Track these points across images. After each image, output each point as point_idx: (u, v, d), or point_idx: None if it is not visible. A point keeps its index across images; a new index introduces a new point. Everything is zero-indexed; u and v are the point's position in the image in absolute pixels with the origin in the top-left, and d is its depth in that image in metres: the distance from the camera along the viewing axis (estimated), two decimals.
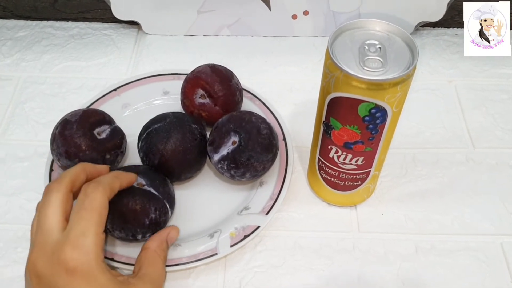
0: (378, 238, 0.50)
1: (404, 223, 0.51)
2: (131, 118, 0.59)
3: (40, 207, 0.39)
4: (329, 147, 0.45)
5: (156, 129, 0.50)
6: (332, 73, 0.40)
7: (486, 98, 0.62)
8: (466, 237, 0.50)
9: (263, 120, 0.51)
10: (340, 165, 0.46)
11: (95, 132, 0.51)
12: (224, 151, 0.49)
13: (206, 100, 0.54)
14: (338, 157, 0.46)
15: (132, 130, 0.54)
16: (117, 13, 0.68)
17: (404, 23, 0.68)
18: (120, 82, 0.61)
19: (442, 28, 0.71)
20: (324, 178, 0.49)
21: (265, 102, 0.59)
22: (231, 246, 0.47)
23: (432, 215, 0.52)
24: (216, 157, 0.50)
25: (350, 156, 0.45)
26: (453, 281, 0.47)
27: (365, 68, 0.38)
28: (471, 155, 0.56)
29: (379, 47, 0.40)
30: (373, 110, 0.40)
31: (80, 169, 0.43)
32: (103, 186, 0.40)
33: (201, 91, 0.54)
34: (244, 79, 0.60)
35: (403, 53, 0.40)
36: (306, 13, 0.68)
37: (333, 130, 0.43)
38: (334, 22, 0.68)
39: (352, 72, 0.38)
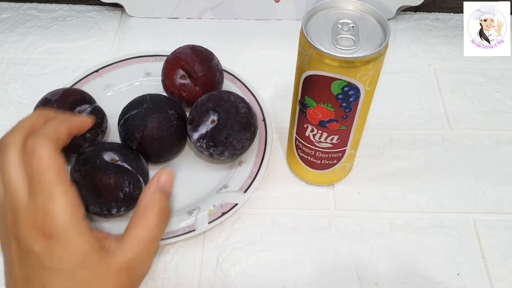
0: (354, 216, 0.51)
1: (379, 202, 0.52)
2: (113, 99, 0.59)
3: (0, 167, 0.35)
4: (305, 125, 0.46)
5: (132, 116, 0.50)
6: (306, 51, 0.40)
7: (465, 81, 0.63)
8: (440, 215, 0.51)
9: (242, 100, 0.52)
10: (316, 144, 0.47)
11: (76, 111, 0.51)
12: (203, 129, 0.50)
13: (187, 81, 0.55)
14: (314, 135, 0.46)
15: (114, 110, 0.54)
16: None
17: (385, 7, 0.69)
18: (102, 64, 0.61)
19: (424, 12, 0.72)
20: (301, 157, 0.50)
21: (246, 84, 0.59)
22: (209, 222, 0.48)
23: (407, 194, 0.53)
24: (195, 135, 0.51)
25: (325, 134, 0.46)
26: (426, 257, 0.48)
27: (338, 46, 0.39)
28: (447, 136, 0.57)
29: (352, 26, 0.40)
30: (345, 88, 0.40)
31: (36, 116, 0.37)
32: (45, 137, 0.34)
33: (181, 72, 0.55)
34: (226, 62, 0.60)
35: (376, 32, 0.40)
36: None
37: (308, 108, 0.44)
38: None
39: (325, 50, 0.38)
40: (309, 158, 0.49)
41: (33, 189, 0.34)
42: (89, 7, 0.72)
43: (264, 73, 0.64)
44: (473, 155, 0.56)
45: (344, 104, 0.42)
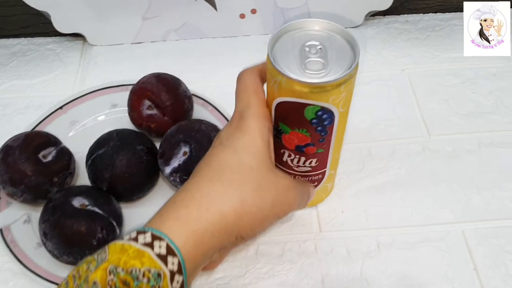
0: (340, 237, 0.50)
1: (364, 219, 0.51)
2: (80, 135, 0.57)
3: None
4: (281, 151, 0.44)
5: (100, 156, 0.48)
6: (275, 78, 0.38)
7: (440, 84, 0.62)
8: (427, 227, 0.50)
9: (214, 127, 0.50)
10: (295, 168, 0.45)
11: (40, 155, 0.49)
12: (175, 163, 0.48)
13: (154, 111, 0.53)
14: (292, 160, 0.45)
15: (81, 147, 0.53)
16: (59, 26, 0.66)
17: (353, 14, 0.67)
18: (66, 99, 0.59)
19: (393, 15, 0.70)
20: None
21: (217, 107, 0.58)
22: None
23: (391, 208, 0.51)
24: (168, 169, 0.48)
25: (303, 158, 0.44)
26: (416, 274, 0.47)
27: (307, 71, 0.37)
28: (427, 143, 0.56)
29: (320, 48, 0.39)
30: (319, 113, 0.39)
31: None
32: (249, 69, 0.43)
33: (147, 102, 0.53)
34: (196, 84, 0.58)
35: (345, 52, 0.39)
36: (253, 11, 0.66)
37: (283, 134, 0.42)
38: (283, 18, 0.67)
39: (294, 76, 0.37)
40: None
41: (237, 100, 0.42)
42: (49, 39, 0.69)
43: (234, 93, 0.62)
44: (454, 161, 0.55)
45: (319, 128, 0.40)
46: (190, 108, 0.54)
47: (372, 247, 0.49)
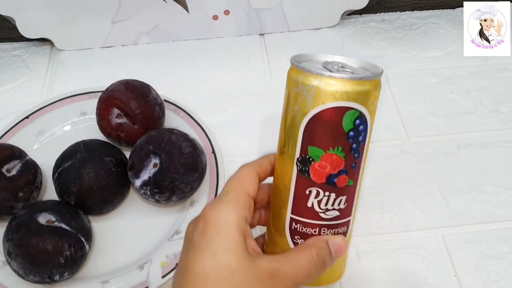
0: None
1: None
2: (47, 146, 0.55)
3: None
4: (307, 191, 0.37)
5: (66, 169, 0.46)
6: (308, 85, 0.35)
7: (417, 85, 0.61)
8: (407, 234, 0.49)
9: (185, 137, 0.48)
10: (322, 215, 0.37)
11: (4, 169, 0.47)
12: (145, 175, 0.46)
13: (123, 120, 0.51)
14: (319, 202, 0.37)
15: (49, 159, 0.50)
16: (25, 31, 0.63)
17: (329, 13, 0.66)
18: (33, 108, 0.56)
19: (369, 14, 0.69)
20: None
21: (190, 114, 0.56)
22: (163, 277, 0.44)
23: (370, 215, 0.50)
24: (138, 182, 0.47)
25: (333, 196, 0.37)
26: (397, 283, 0.46)
27: (340, 71, 0.35)
28: (406, 146, 0.55)
29: (341, 66, 0.37)
30: (357, 121, 0.35)
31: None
32: (249, 163, 0.39)
33: (116, 111, 0.51)
34: (168, 89, 0.57)
35: (366, 67, 0.37)
36: (227, 12, 0.64)
37: (313, 163, 0.37)
38: (258, 19, 0.65)
39: (336, 74, 0.34)
40: None
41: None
42: (15, 44, 0.67)
43: (209, 97, 0.60)
44: (434, 164, 0.54)
45: (354, 146, 0.36)
46: (161, 116, 0.53)
47: (352, 256, 0.47)
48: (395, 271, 0.46)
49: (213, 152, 0.52)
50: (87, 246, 0.45)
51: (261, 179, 0.39)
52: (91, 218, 0.48)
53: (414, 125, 0.57)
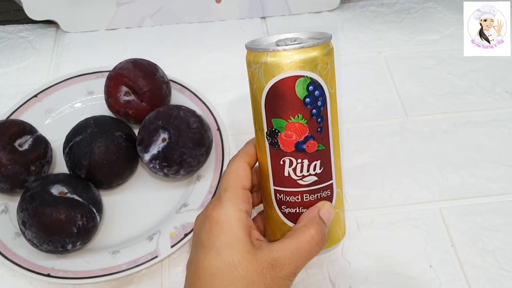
0: None
1: (344, 201, 0.51)
2: (56, 123, 0.56)
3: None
4: (281, 162, 0.39)
5: (77, 143, 0.48)
6: (259, 63, 0.38)
7: (416, 66, 0.62)
8: (406, 207, 0.51)
9: (193, 113, 0.49)
10: (300, 182, 0.40)
11: (16, 144, 0.48)
12: (154, 150, 0.48)
13: (131, 97, 0.52)
14: (294, 170, 0.40)
15: (58, 135, 0.52)
16: (31, 13, 0.64)
17: None
18: (40, 87, 0.57)
19: None
20: (288, 215, 0.41)
21: (195, 93, 0.57)
22: (172, 246, 0.46)
23: (370, 189, 0.52)
24: (147, 156, 0.48)
25: (306, 163, 0.39)
26: (396, 253, 0.48)
27: (287, 43, 0.38)
28: (405, 124, 0.57)
29: (294, 39, 0.39)
30: (310, 87, 0.38)
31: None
32: (237, 155, 0.42)
33: (125, 88, 0.52)
34: (173, 70, 0.58)
35: (316, 36, 0.39)
36: None
37: (279, 134, 0.39)
38: (260, 2, 0.67)
39: (279, 48, 0.37)
40: (297, 209, 0.40)
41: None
42: (21, 26, 0.68)
43: (214, 78, 0.62)
44: (432, 141, 0.55)
45: (314, 111, 0.38)
46: (168, 94, 0.54)
47: (353, 228, 0.49)
48: (394, 242, 0.48)
49: (218, 129, 0.54)
50: (98, 217, 0.46)
51: (252, 166, 0.41)
52: (101, 192, 0.49)
53: (412, 105, 0.59)
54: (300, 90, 0.38)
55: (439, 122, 0.57)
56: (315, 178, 0.40)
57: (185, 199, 0.50)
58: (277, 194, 0.40)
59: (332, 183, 0.41)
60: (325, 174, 0.40)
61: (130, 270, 0.45)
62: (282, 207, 0.41)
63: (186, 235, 0.46)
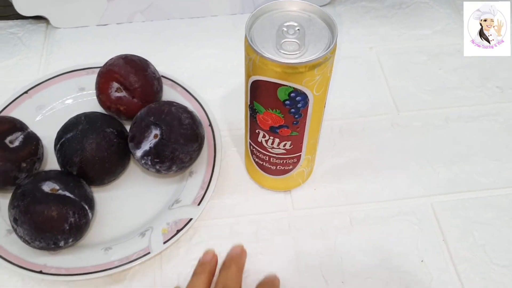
0: (313, 214, 0.50)
1: (337, 196, 0.51)
2: (47, 120, 0.56)
3: None
4: (256, 131, 0.44)
5: (68, 140, 0.47)
6: (250, 56, 0.38)
7: (407, 61, 0.63)
8: (398, 202, 0.51)
9: (184, 109, 0.49)
10: (269, 150, 0.45)
11: (7, 141, 0.48)
12: (146, 146, 0.48)
13: (123, 93, 0.52)
14: (266, 141, 0.44)
15: (49, 132, 0.51)
16: (20, 9, 0.64)
17: None
18: (31, 84, 0.57)
19: None
20: (257, 163, 0.48)
21: (187, 88, 0.57)
22: (164, 242, 0.46)
23: (363, 185, 0.52)
24: (139, 153, 0.48)
25: (277, 140, 0.44)
26: (388, 248, 0.48)
27: (282, 51, 0.37)
28: (396, 120, 0.57)
29: (298, 29, 0.38)
30: (292, 94, 0.38)
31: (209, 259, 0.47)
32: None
33: (116, 85, 0.52)
34: (164, 66, 0.58)
35: (322, 35, 0.38)
36: None
37: (258, 114, 0.42)
38: None
39: (267, 55, 0.37)
40: (264, 163, 0.47)
41: None
42: (10, 22, 0.67)
43: (205, 74, 0.62)
44: (423, 136, 0.56)
45: (292, 110, 0.40)
46: (159, 90, 0.54)
47: (345, 224, 0.49)
48: (387, 236, 0.49)
49: (210, 125, 0.54)
50: (90, 214, 0.46)
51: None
52: (93, 188, 0.49)
53: (404, 100, 0.59)
54: (281, 95, 0.39)
55: (430, 117, 0.57)
56: (284, 151, 0.45)
57: (177, 195, 0.50)
58: (251, 146, 0.47)
59: (300, 155, 0.46)
60: (294, 150, 0.45)
61: (122, 266, 0.45)
62: (253, 156, 0.48)
63: (178, 231, 0.46)
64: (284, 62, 0.36)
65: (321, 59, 0.37)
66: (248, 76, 0.40)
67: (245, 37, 0.38)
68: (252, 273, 0.46)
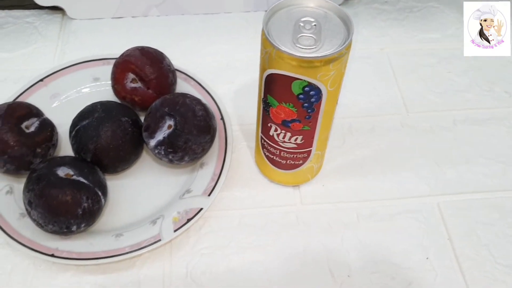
0: (321, 209, 0.51)
1: (344, 192, 0.52)
2: (62, 108, 0.56)
3: None
4: (268, 125, 0.45)
5: (84, 127, 0.48)
6: (266, 49, 0.39)
7: (417, 63, 0.64)
8: (405, 200, 0.52)
9: (198, 101, 0.50)
10: (280, 144, 0.46)
11: (23, 126, 0.49)
12: (160, 136, 0.48)
13: (138, 84, 0.53)
14: (278, 135, 0.45)
15: (64, 120, 0.52)
16: None
17: None
18: (46, 72, 0.58)
19: None
20: (267, 157, 0.49)
21: (200, 82, 0.58)
22: (175, 231, 0.47)
23: (371, 182, 0.53)
24: (152, 142, 0.49)
25: (289, 134, 0.44)
26: (394, 244, 0.49)
27: (298, 45, 0.38)
28: (405, 120, 0.58)
29: (315, 25, 0.39)
30: (306, 88, 0.39)
31: None
32: None
33: (131, 75, 0.53)
34: (178, 60, 0.58)
35: (338, 31, 0.39)
36: None
37: (271, 107, 0.43)
38: None
39: (284, 49, 0.37)
40: (274, 157, 0.48)
41: None
42: (27, 12, 0.68)
43: (218, 69, 0.63)
44: (431, 137, 0.57)
45: (306, 104, 0.41)
46: (174, 82, 0.55)
47: (352, 219, 0.50)
48: (393, 233, 0.49)
49: (222, 118, 0.55)
50: (103, 200, 0.47)
51: None
52: (106, 176, 0.50)
53: (413, 101, 0.60)
54: (296, 89, 0.40)
55: (438, 119, 0.58)
56: (295, 145, 0.46)
57: (188, 185, 0.50)
58: (262, 140, 0.48)
59: (310, 150, 0.47)
60: (305, 145, 0.46)
61: (133, 253, 0.45)
62: (264, 150, 0.49)
63: (189, 220, 0.47)
64: (300, 56, 0.37)
65: (336, 55, 0.38)
66: (263, 69, 0.41)
67: (262, 30, 0.39)
68: (260, 264, 0.47)
